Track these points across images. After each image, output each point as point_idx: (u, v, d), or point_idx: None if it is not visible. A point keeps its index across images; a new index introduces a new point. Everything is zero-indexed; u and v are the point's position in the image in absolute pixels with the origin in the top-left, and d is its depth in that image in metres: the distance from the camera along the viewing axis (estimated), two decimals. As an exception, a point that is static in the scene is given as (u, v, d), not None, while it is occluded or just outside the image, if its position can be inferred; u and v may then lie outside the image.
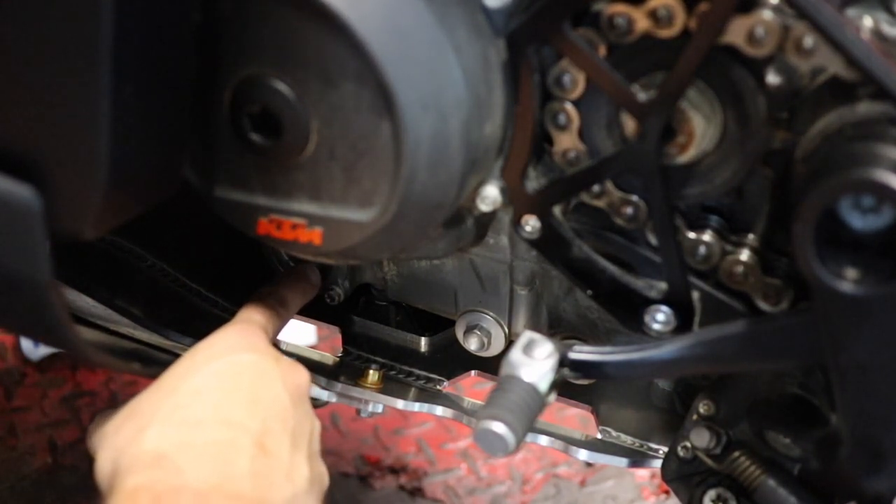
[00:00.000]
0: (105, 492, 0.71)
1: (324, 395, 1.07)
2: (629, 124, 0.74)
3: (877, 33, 0.67)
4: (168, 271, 1.09)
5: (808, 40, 0.66)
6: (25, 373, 2.04)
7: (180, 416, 0.72)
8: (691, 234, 0.77)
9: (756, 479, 0.82)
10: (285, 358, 0.81)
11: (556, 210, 0.80)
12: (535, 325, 0.95)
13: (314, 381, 1.06)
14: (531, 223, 0.80)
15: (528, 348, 0.75)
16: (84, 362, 2.00)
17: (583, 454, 1.01)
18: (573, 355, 0.77)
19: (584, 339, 0.94)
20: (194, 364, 0.76)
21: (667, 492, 1.75)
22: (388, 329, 1.07)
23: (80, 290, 1.00)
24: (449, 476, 1.80)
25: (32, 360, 2.04)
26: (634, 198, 0.77)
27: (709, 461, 0.86)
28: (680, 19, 0.68)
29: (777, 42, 0.66)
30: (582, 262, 0.81)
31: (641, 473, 1.82)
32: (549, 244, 0.81)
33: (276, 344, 1.02)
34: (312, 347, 1.10)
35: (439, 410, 1.05)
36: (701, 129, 0.73)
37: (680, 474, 0.89)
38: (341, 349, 1.09)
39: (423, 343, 1.07)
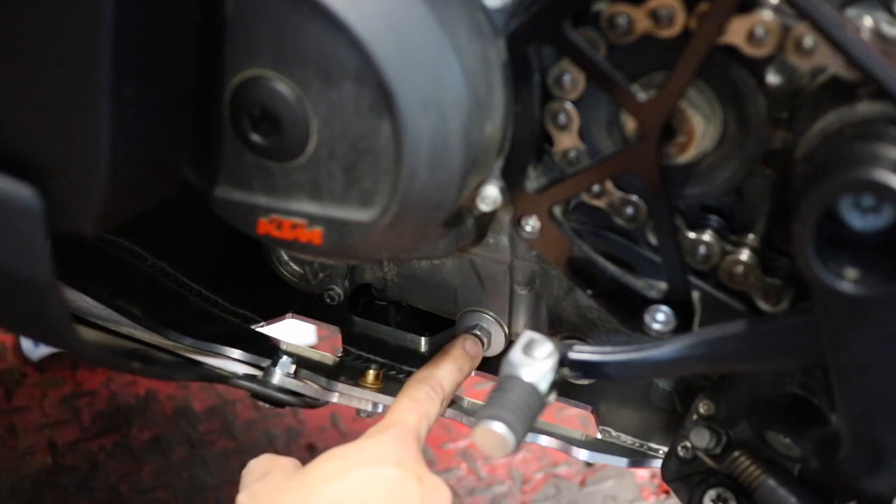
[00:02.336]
0: None
1: (324, 395, 1.07)
2: (629, 124, 0.74)
3: (877, 33, 0.67)
4: (168, 271, 1.09)
5: (808, 40, 0.66)
6: (25, 373, 2.04)
7: None
8: (691, 234, 0.77)
9: (756, 479, 0.82)
10: (430, 476, 0.79)
11: (556, 210, 0.80)
12: (535, 325, 0.95)
13: (314, 381, 1.06)
14: (531, 223, 0.80)
15: (528, 348, 0.75)
16: (84, 362, 2.00)
17: (583, 454, 1.01)
18: (573, 355, 0.77)
19: (584, 339, 0.94)
20: (341, 468, 0.77)
21: (667, 492, 1.75)
22: (388, 329, 1.07)
23: (80, 290, 1.00)
24: (449, 476, 1.80)
25: (32, 360, 2.05)
26: (634, 198, 0.77)
27: (709, 461, 0.86)
28: (680, 19, 0.68)
29: (777, 42, 0.66)
30: (582, 262, 0.81)
31: (641, 473, 1.82)
32: (549, 244, 0.81)
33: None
34: (312, 347, 1.10)
35: (439, 410, 1.05)
36: (701, 129, 0.73)
37: (680, 474, 0.89)
38: (341, 349, 1.09)
39: (423, 343, 1.07)
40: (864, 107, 0.66)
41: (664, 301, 0.79)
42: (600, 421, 1.02)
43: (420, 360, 1.07)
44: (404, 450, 0.80)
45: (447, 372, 0.92)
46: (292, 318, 1.10)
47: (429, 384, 0.90)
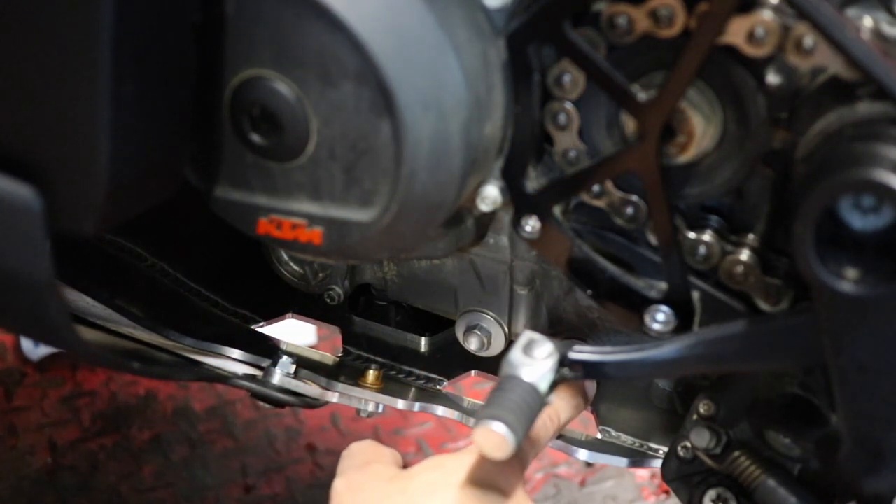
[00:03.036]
0: None
1: (324, 395, 1.07)
2: (629, 124, 0.74)
3: (877, 33, 0.67)
4: (168, 271, 1.09)
5: (808, 40, 0.66)
6: (25, 373, 2.04)
7: None
8: (691, 234, 0.77)
9: (756, 479, 0.82)
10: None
11: (556, 210, 0.80)
12: (535, 325, 0.95)
13: (314, 381, 1.06)
14: (531, 223, 0.80)
15: (528, 348, 0.75)
16: (84, 362, 2.00)
17: (583, 454, 1.01)
18: (573, 355, 0.77)
19: (584, 339, 0.93)
20: (440, 482, 0.76)
21: (667, 492, 1.75)
22: (388, 329, 1.07)
23: (80, 290, 1.00)
24: (449, 476, 1.80)
25: (32, 360, 2.05)
26: (634, 198, 0.77)
27: (709, 461, 0.86)
28: (680, 19, 0.68)
29: (777, 42, 0.66)
30: (582, 262, 0.81)
31: (641, 473, 1.82)
32: (549, 244, 0.81)
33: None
34: (312, 347, 1.10)
35: (439, 410, 1.05)
36: (701, 129, 0.73)
37: (680, 474, 0.89)
38: (341, 349, 1.09)
39: (423, 343, 1.07)
40: (864, 107, 0.66)
41: (664, 301, 0.79)
42: (600, 421, 1.02)
43: (420, 360, 1.07)
44: (511, 475, 0.78)
45: (566, 404, 0.89)
46: (292, 318, 1.10)
47: (547, 411, 0.85)
